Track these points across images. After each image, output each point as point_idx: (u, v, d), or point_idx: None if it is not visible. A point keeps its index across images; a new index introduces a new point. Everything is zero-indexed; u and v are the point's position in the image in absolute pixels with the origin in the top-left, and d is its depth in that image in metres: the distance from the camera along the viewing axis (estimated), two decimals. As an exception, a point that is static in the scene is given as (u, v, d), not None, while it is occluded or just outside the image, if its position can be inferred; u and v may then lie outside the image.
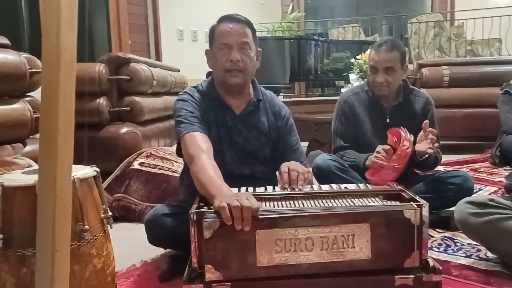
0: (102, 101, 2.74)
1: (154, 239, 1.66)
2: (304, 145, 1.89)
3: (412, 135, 1.88)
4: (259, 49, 1.75)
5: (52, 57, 0.65)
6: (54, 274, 0.68)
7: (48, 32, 0.65)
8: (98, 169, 1.28)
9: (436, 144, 1.92)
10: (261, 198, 1.40)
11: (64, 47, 0.65)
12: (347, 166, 2.10)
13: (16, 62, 2.01)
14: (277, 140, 1.79)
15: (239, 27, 1.66)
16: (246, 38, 1.66)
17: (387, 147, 1.91)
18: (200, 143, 1.56)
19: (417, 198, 1.34)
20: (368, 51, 4.11)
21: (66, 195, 0.70)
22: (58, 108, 0.66)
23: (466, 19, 5.76)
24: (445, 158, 2.33)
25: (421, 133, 1.93)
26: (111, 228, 1.31)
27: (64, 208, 0.69)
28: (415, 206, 1.27)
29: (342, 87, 4.79)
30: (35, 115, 2.09)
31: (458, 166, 3.45)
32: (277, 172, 1.63)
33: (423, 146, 1.90)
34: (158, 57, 5.36)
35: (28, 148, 2.07)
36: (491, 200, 1.61)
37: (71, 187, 0.73)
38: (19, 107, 2.04)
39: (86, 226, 1.17)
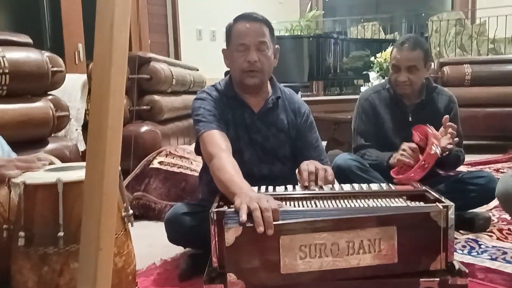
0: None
1: (174, 238, 1.67)
2: (322, 144, 1.87)
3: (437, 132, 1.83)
4: (276, 46, 1.72)
5: (104, 53, 0.66)
6: (97, 274, 0.68)
7: (101, 28, 0.66)
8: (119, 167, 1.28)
9: (456, 139, 1.86)
10: (281, 198, 1.38)
11: (117, 43, 0.65)
12: (367, 165, 2.06)
13: (38, 60, 2.02)
14: (297, 138, 1.77)
15: (256, 26, 1.64)
16: (263, 37, 1.64)
17: (414, 145, 1.86)
18: (219, 141, 1.55)
19: (442, 199, 1.30)
20: (388, 49, 4.07)
21: (112, 193, 0.69)
22: (109, 103, 0.66)
23: (488, 16, 5.64)
24: (467, 158, 2.27)
25: (441, 128, 1.88)
26: (131, 226, 1.30)
27: (110, 206, 0.69)
28: (441, 207, 1.24)
29: (362, 85, 4.75)
30: (57, 114, 2.11)
31: (481, 167, 3.38)
32: (297, 171, 1.61)
33: (443, 141, 1.84)
34: (177, 56, 5.38)
35: (50, 146, 2.09)
36: None
37: (118, 184, 0.72)
38: (41, 106, 2.05)
39: (107, 224, 1.16)
